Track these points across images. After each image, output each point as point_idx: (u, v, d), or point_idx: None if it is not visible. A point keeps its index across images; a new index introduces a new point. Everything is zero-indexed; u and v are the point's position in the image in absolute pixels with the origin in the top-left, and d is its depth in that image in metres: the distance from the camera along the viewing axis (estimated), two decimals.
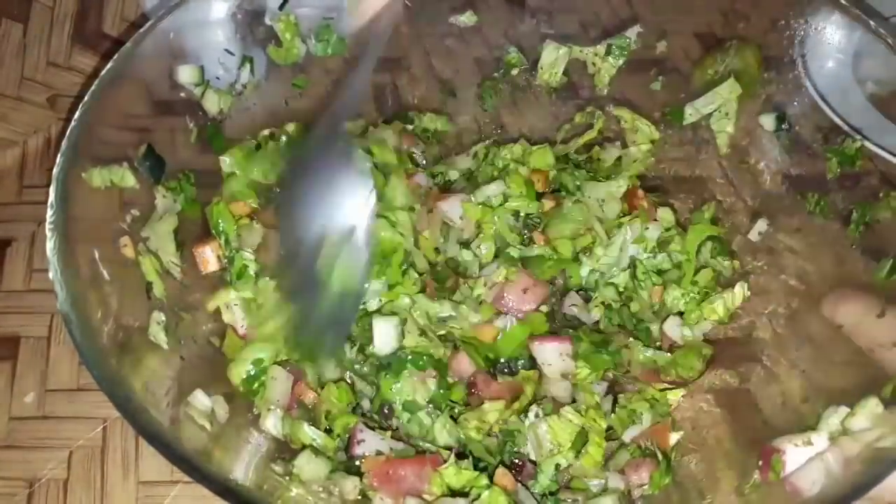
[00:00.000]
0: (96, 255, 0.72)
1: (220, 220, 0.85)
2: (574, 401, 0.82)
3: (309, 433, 0.77)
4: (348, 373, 0.84)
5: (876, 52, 0.80)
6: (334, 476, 0.75)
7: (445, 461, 0.74)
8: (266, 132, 0.91)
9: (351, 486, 0.73)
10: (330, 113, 0.71)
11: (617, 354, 0.86)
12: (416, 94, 1.05)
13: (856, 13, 0.81)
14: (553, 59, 0.97)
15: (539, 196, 0.94)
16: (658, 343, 0.89)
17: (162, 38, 0.82)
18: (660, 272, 0.91)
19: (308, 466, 0.75)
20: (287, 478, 0.74)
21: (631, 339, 0.88)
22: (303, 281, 0.71)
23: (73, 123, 0.74)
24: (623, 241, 0.90)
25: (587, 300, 0.92)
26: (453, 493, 0.74)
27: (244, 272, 0.83)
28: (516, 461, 0.81)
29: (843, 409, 0.72)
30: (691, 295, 0.89)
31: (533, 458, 0.80)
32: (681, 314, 0.90)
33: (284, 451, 0.78)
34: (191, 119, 0.87)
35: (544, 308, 0.89)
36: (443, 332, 0.84)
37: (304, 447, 0.77)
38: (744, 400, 0.84)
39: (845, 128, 0.84)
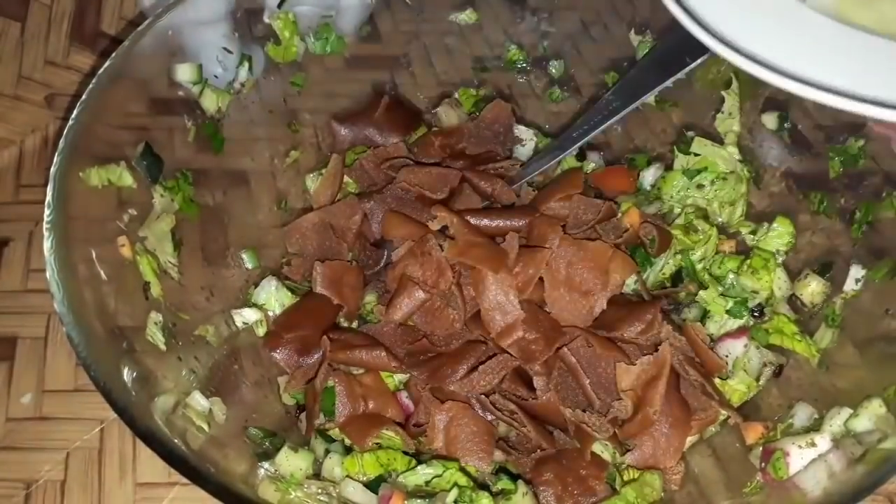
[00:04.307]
0: (93, 254, 0.72)
1: None
2: None
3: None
4: None
5: None
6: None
7: None
8: None
9: None
10: None
11: None
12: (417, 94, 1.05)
13: None
14: None
15: None
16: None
17: (160, 37, 0.81)
18: None
19: (287, 462, 0.75)
20: (282, 479, 0.74)
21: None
22: None
23: (70, 122, 0.74)
24: None
25: None
26: None
27: None
28: None
29: (846, 411, 0.72)
30: None
31: None
32: None
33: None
34: (189, 118, 0.86)
35: None
36: None
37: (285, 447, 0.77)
38: None
39: None
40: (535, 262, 0.82)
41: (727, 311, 0.88)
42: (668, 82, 0.87)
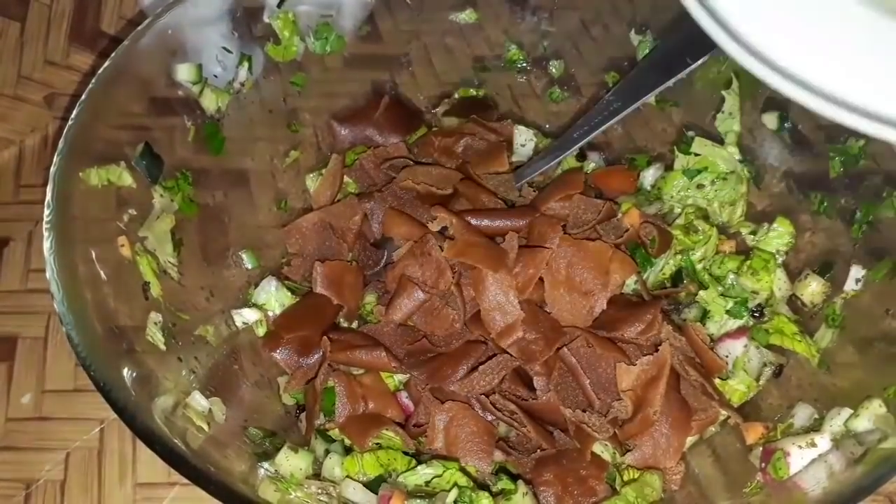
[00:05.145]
0: (93, 254, 0.72)
1: None
2: None
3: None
4: None
5: None
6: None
7: None
8: None
9: None
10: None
11: None
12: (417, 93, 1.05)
13: None
14: None
15: None
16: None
17: (160, 36, 0.81)
18: None
19: (287, 462, 0.75)
20: (282, 479, 0.74)
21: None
22: None
23: (70, 122, 0.74)
24: None
25: None
26: None
27: None
28: None
29: (847, 411, 0.72)
30: None
31: None
32: None
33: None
34: (189, 118, 0.86)
35: None
36: None
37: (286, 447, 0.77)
38: None
39: None
40: (535, 261, 0.82)
41: (727, 312, 0.88)
42: (670, 82, 0.87)
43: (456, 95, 1.06)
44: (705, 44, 0.85)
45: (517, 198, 0.94)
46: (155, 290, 0.78)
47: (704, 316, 0.89)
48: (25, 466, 0.91)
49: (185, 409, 0.72)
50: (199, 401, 0.74)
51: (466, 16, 1.01)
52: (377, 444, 0.80)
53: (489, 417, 0.81)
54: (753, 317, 0.87)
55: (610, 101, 0.89)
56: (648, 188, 0.98)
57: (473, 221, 0.86)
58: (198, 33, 0.85)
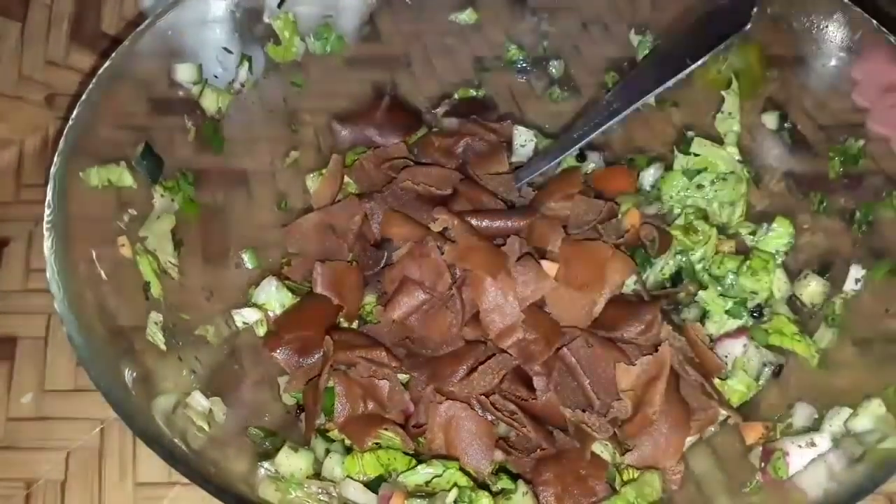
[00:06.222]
0: (94, 254, 0.72)
1: None
2: None
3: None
4: None
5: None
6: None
7: None
8: None
9: None
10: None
11: None
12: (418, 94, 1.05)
13: (859, 12, 0.81)
14: None
15: None
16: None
17: (160, 37, 0.81)
18: None
19: (287, 462, 0.75)
20: (283, 479, 0.74)
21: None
22: None
23: (70, 122, 0.74)
24: None
25: None
26: None
27: None
28: None
29: (846, 411, 0.72)
30: None
31: None
32: None
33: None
34: (189, 118, 0.86)
35: None
36: None
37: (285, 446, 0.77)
38: None
39: None
40: (538, 282, 0.82)
41: (726, 312, 0.88)
42: (670, 83, 0.87)
43: (456, 96, 1.06)
44: (705, 44, 0.86)
45: (517, 198, 0.94)
46: (155, 290, 0.78)
47: (704, 316, 0.89)
48: (25, 466, 0.91)
49: (185, 408, 0.72)
50: (199, 400, 0.74)
51: (466, 16, 1.01)
52: (377, 444, 0.80)
53: (489, 417, 0.81)
54: (753, 317, 0.88)
55: (610, 102, 0.90)
56: (648, 188, 0.98)
57: (474, 222, 0.86)
58: (198, 33, 0.85)
